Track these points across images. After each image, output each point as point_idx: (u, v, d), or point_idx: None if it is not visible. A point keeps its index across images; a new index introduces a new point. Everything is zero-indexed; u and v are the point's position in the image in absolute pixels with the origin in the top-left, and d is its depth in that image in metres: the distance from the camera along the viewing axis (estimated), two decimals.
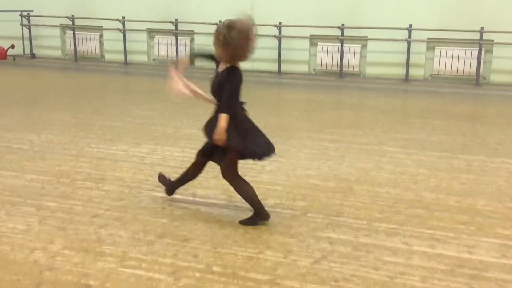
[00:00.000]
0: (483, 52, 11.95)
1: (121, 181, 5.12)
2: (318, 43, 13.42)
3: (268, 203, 4.61)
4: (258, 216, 4.16)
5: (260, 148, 4.13)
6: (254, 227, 4.10)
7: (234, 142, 4.01)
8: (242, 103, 4.21)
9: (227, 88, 4.00)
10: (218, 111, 4.06)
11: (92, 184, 5.03)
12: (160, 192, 4.82)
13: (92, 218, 4.21)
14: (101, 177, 5.24)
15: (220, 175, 4.29)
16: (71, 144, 6.46)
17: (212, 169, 5.52)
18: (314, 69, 13.71)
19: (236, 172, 4.25)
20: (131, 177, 5.25)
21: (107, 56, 15.61)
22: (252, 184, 5.04)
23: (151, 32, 15.07)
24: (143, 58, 15.25)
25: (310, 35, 13.38)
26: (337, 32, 12.81)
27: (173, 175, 5.28)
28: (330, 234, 4.02)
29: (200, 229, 4.05)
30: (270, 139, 4.32)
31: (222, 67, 4.12)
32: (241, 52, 3.93)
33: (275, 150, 4.24)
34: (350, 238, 3.95)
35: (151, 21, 14.61)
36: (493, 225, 4.20)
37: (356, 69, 13.11)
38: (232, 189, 4.83)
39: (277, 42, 13.46)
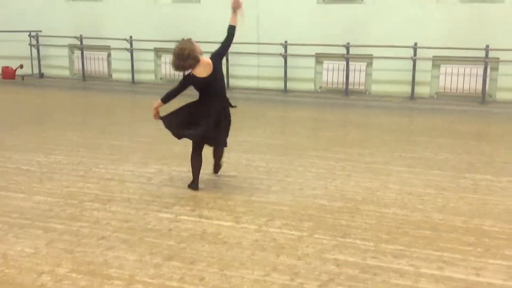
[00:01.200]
0: (488, 69, 11.96)
1: (128, 202, 5.15)
2: (324, 61, 13.48)
3: (274, 223, 4.63)
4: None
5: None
6: (263, 248, 4.11)
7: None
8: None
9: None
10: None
11: (99, 205, 5.06)
12: (167, 213, 4.85)
13: (99, 240, 4.23)
14: (108, 198, 5.27)
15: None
16: (79, 164, 6.50)
17: (219, 189, 5.56)
18: (320, 87, 13.77)
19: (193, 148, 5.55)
20: (138, 198, 5.27)
21: (115, 75, 15.74)
22: (258, 204, 5.08)
23: (158, 51, 15.20)
24: (151, 77, 15.38)
25: (316, 53, 13.45)
26: (343, 50, 12.88)
27: (179, 195, 5.32)
28: (337, 255, 4.02)
29: (206, 251, 4.05)
30: (277, 158, 6.08)
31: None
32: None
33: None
34: (357, 260, 3.94)
35: (159, 40, 14.74)
36: (500, 246, 4.18)
37: (362, 87, 13.15)
38: (239, 209, 4.88)
39: (283, 60, 13.53)
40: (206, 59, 5.40)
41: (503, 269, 3.80)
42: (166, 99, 5.60)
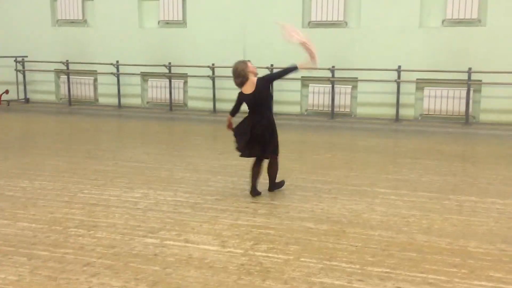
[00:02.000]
0: (471, 91, 12.14)
1: (113, 228, 5.12)
2: (310, 84, 13.61)
3: (261, 247, 4.62)
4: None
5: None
6: (249, 272, 4.09)
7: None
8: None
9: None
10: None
11: (84, 231, 5.02)
12: (152, 238, 4.82)
13: (83, 267, 4.19)
14: (93, 224, 5.24)
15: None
16: (64, 190, 6.46)
17: (205, 213, 5.55)
18: (306, 110, 13.86)
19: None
20: (124, 223, 5.24)
21: (101, 100, 15.74)
22: (244, 228, 5.08)
23: (145, 76, 15.26)
24: (137, 101, 15.39)
25: (302, 77, 13.57)
26: (328, 74, 13.01)
27: (165, 220, 5.30)
28: (323, 279, 4.01)
29: (192, 276, 4.03)
30: (262, 181, 6.40)
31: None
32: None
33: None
34: (344, 283, 3.94)
35: (145, 65, 14.81)
36: (485, 267, 4.20)
37: (347, 110, 13.27)
38: (225, 233, 4.87)
39: None
40: (254, 78, 6.03)
41: None
42: (232, 113, 6.33)
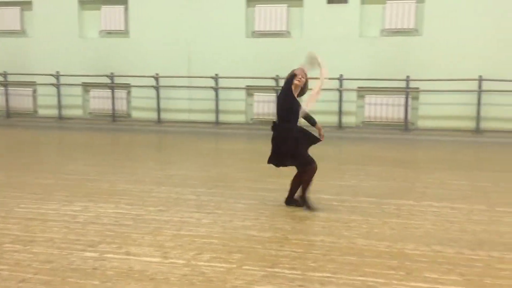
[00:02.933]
0: (410, 99, 12.54)
1: (51, 242, 4.97)
2: (255, 93, 13.70)
3: (203, 257, 4.59)
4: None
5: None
6: (191, 283, 4.06)
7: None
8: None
9: None
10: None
11: (20, 246, 4.85)
12: (92, 252, 4.71)
13: (19, 283, 4.04)
14: (30, 238, 5.06)
15: None
16: (0, 205, 6.22)
17: (148, 225, 5.47)
18: (251, 119, 13.94)
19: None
20: (62, 238, 5.10)
21: (41, 111, 15.33)
22: (187, 238, 5.05)
23: (87, 86, 14.96)
24: (79, 112, 15.06)
25: (247, 86, 13.66)
26: (273, 83, 13.15)
27: (106, 233, 5.19)
28: (265, 286, 4.02)
29: None
30: (208, 190, 6.49)
31: None
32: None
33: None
34: None
35: (86, 75, 14.52)
36: (421, 269, 4.33)
37: None
38: (167, 244, 4.83)
39: (214, 93, 13.64)
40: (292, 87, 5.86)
41: None
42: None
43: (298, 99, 5.89)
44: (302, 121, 5.89)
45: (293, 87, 5.77)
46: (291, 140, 5.84)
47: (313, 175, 5.92)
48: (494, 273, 4.24)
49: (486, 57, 12.21)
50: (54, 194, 6.72)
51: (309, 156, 5.99)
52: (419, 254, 4.66)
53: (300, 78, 5.74)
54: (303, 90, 5.94)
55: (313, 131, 6.07)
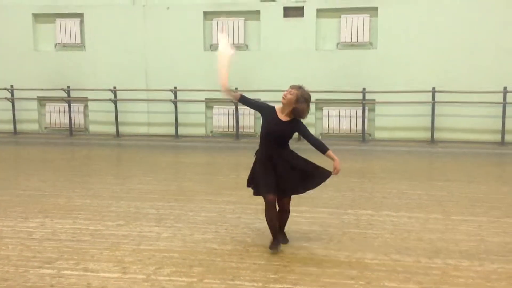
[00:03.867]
0: (366, 110, 12.79)
1: (7, 260, 4.83)
2: (214, 106, 13.71)
3: (164, 271, 4.55)
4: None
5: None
6: None
7: None
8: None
9: (308, 133, 5.18)
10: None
11: None
12: (49, 269, 4.60)
13: None
14: None
15: None
16: None
17: (106, 240, 5.39)
18: (211, 132, 13.92)
19: None
20: (17, 255, 4.97)
21: None
22: (147, 252, 5.00)
23: (42, 100, 14.65)
24: (34, 126, 14.72)
25: (206, 99, 13.65)
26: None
27: (63, 249, 5.08)
28: None
29: None
30: (168, 204, 6.50)
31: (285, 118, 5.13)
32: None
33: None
34: None
35: (42, 89, 14.23)
36: (380, 278, 4.41)
37: (252, 130, 13.48)
38: (126, 259, 4.78)
39: (173, 106, 13.58)
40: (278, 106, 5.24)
41: None
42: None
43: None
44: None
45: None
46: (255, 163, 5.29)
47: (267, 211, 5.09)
48: (450, 281, 4.35)
49: (439, 69, 12.58)
50: (8, 210, 6.54)
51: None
52: (378, 263, 4.74)
53: (285, 95, 5.10)
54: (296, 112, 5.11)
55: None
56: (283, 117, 5.14)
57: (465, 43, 12.46)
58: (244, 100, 5.36)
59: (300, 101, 5.05)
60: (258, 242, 5.32)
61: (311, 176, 5.18)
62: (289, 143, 5.23)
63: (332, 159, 5.10)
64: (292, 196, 5.25)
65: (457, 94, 12.27)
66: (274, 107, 5.25)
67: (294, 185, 5.13)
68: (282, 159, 5.10)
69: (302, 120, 5.19)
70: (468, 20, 12.46)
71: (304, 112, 5.10)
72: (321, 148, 5.17)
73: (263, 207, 5.12)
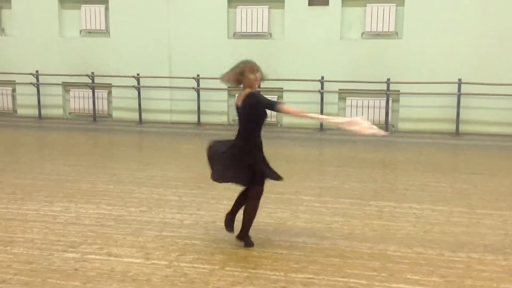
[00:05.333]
0: (390, 101, 12.65)
1: (31, 243, 4.91)
2: (236, 95, 13.65)
3: (186, 258, 4.58)
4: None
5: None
6: (173, 284, 4.04)
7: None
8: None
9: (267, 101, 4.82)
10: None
11: (0, 247, 4.78)
12: (73, 253, 4.66)
13: None
14: (9, 239, 5.00)
15: None
16: None
17: (129, 225, 5.44)
18: (233, 120, 13.92)
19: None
20: (42, 238, 5.04)
21: (20, 111, 15.11)
22: (170, 239, 5.03)
23: (67, 86, 14.80)
24: (59, 112, 14.89)
25: (228, 87, 13.63)
26: None
27: (87, 233, 5.14)
28: (248, 287, 4.03)
29: None
30: (190, 191, 6.45)
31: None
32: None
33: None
34: None
35: (66, 75, 14.37)
36: (403, 270, 4.37)
37: (274, 119, 13.44)
38: (149, 245, 4.80)
39: (196, 94, 13.60)
40: (248, 90, 4.84)
41: None
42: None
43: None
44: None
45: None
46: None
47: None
48: (474, 275, 4.30)
49: (465, 61, 12.37)
50: (34, 194, 6.64)
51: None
52: (401, 255, 4.70)
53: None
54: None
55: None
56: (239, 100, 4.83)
57: (493, 33, 12.21)
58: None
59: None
60: (280, 231, 5.32)
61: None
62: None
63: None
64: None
65: (484, 86, 12.04)
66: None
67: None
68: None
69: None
70: (496, 9, 12.20)
71: (251, 81, 4.82)
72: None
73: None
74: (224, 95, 13.86)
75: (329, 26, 13.07)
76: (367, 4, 12.94)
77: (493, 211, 6.11)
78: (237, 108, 4.90)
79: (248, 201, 4.95)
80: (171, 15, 13.88)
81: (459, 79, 12.19)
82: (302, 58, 13.14)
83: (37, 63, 14.52)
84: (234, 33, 13.72)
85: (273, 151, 10.08)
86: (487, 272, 4.35)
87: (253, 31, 13.55)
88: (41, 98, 14.60)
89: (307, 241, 5.05)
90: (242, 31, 13.61)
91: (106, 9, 14.34)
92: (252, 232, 5.07)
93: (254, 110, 4.78)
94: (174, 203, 6.30)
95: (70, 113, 14.84)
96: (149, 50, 13.98)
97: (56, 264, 4.42)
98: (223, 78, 4.96)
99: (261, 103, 4.77)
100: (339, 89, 13.06)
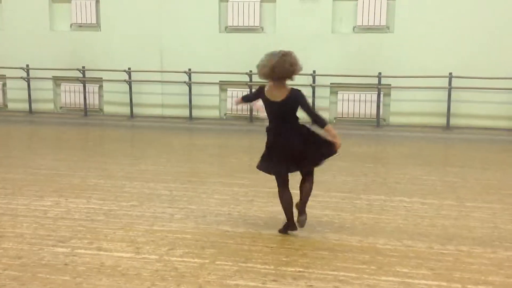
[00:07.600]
0: (382, 95, 12.68)
1: (21, 238, 4.89)
2: (228, 89, 13.67)
3: (176, 252, 4.58)
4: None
5: None
6: (163, 278, 4.05)
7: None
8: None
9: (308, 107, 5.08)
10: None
11: None
12: (63, 247, 4.65)
13: None
14: None
15: None
16: None
17: (119, 220, 5.43)
18: (225, 114, 13.91)
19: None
20: (32, 233, 5.03)
21: (11, 105, 15.02)
22: (160, 233, 5.03)
23: (57, 80, 14.72)
24: (50, 106, 14.81)
25: (220, 81, 13.62)
26: (246, 78, 13.14)
27: (77, 228, 5.13)
28: (238, 281, 4.04)
29: (104, 285, 3.93)
30: (181, 186, 6.43)
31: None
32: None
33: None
34: (258, 284, 3.99)
35: (57, 69, 14.29)
36: (392, 263, 4.40)
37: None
38: (140, 239, 4.80)
39: (188, 88, 13.57)
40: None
41: (394, 285, 3.99)
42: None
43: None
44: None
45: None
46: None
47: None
48: (463, 267, 4.33)
49: (456, 55, 12.40)
50: (24, 189, 6.62)
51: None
52: (390, 248, 4.73)
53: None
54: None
55: None
56: (277, 96, 5.02)
57: (484, 28, 12.25)
58: (247, 99, 5.63)
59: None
60: (270, 225, 5.33)
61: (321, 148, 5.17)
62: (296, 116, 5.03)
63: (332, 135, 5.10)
64: (298, 181, 5.23)
65: (474, 80, 12.09)
66: (263, 87, 5.18)
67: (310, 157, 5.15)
68: (293, 134, 5.03)
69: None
70: (487, 3, 12.23)
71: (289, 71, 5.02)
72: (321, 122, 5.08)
73: (276, 190, 5.12)
74: (215, 89, 13.83)
75: (321, 20, 13.07)
76: None
77: (482, 204, 6.15)
78: (271, 102, 5.03)
79: (310, 183, 5.27)
80: (162, 9, 13.82)
81: (450, 73, 12.23)
82: (294, 52, 13.10)
83: (27, 57, 14.42)
84: (226, 27, 13.69)
85: (262, 144, 10.14)
86: (476, 265, 4.39)
87: (244, 25, 13.52)
88: (31, 92, 14.53)
89: (297, 234, 5.06)
90: (234, 25, 13.58)
91: (97, 2, 14.26)
92: (242, 226, 5.08)
93: (297, 105, 5.06)
94: (165, 198, 6.29)
95: (61, 107, 14.77)
96: (140, 44, 13.93)
97: (46, 259, 4.41)
98: (274, 73, 5.08)
99: (302, 104, 5.10)
100: (331, 83, 13.07)
